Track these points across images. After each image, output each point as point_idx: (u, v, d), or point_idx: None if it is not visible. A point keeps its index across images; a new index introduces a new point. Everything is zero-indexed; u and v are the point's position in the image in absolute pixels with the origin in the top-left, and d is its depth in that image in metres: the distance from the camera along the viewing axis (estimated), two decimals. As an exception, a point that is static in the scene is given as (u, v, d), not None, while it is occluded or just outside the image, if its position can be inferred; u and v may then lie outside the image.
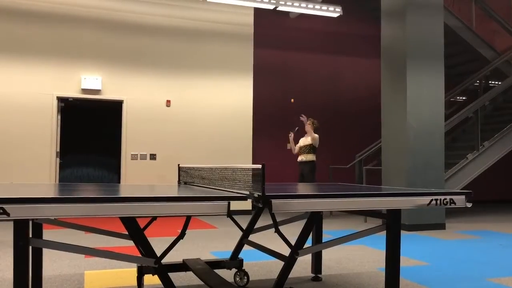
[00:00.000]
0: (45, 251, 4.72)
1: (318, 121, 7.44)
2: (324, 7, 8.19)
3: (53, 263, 4.18)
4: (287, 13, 9.95)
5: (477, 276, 3.85)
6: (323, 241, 3.47)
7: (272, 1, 7.86)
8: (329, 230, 6.45)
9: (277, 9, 8.17)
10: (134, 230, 2.44)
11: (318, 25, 10.42)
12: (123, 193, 2.31)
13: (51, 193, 2.22)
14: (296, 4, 8.01)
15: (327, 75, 10.57)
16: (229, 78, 8.72)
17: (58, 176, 7.93)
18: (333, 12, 8.32)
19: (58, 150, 7.83)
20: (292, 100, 8.33)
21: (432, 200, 2.60)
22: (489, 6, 10.38)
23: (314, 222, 2.81)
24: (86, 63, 7.94)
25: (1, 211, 1.78)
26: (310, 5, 8.09)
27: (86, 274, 3.78)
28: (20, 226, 1.97)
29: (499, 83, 9.39)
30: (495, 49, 10.14)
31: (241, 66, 8.80)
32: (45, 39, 7.73)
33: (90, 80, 7.87)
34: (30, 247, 2.05)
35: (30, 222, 2.69)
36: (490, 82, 10.21)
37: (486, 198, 10.97)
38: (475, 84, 9.65)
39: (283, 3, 7.92)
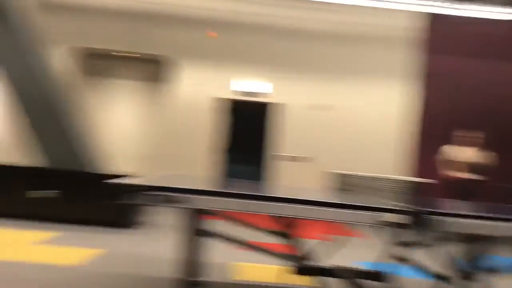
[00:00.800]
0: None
1: (497, 132, 6.72)
2: (498, 10, 7.41)
3: (209, 251, 4.52)
4: (457, 16, 9.23)
5: None
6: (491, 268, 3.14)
7: (443, 5, 7.37)
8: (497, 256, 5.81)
9: (447, 12, 7.64)
10: (286, 230, 2.51)
11: (492, 28, 9.46)
12: (279, 194, 2.40)
13: (218, 187, 2.40)
14: (467, 7, 7.39)
15: (503, 81, 9.52)
16: (391, 84, 8.44)
17: (220, 172, 8.56)
18: (507, 14, 7.48)
19: (223, 147, 8.46)
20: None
21: None
22: None
23: (483, 245, 2.57)
24: (252, 66, 8.43)
25: (175, 199, 1.99)
26: (483, 8, 7.40)
27: (235, 266, 4.00)
28: (190, 215, 2.17)
29: None
30: None
31: (404, 72, 8.44)
32: (215, 43, 8.41)
33: (255, 84, 8.35)
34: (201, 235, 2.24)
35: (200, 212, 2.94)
36: None
37: None
38: None
39: (452, 6, 7.37)
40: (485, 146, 6.55)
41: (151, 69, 9.18)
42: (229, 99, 8.50)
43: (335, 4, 8.33)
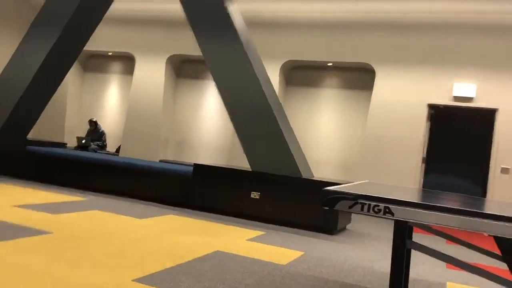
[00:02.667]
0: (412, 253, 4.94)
1: None
2: None
3: (415, 266, 4.32)
4: None
5: None
6: None
7: None
8: None
9: None
10: (509, 251, 2.24)
11: None
12: (496, 211, 2.16)
13: (426, 199, 2.29)
14: None
15: None
16: None
17: (422, 182, 8.13)
18: None
19: (425, 156, 8.03)
20: None
21: None
22: None
23: None
24: (459, 70, 7.80)
25: (387, 210, 1.97)
26: None
27: (448, 285, 3.73)
28: (400, 227, 2.13)
29: None
30: None
31: None
32: (418, 48, 8.04)
33: (463, 88, 7.69)
34: (406, 247, 2.18)
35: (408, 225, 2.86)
36: None
37: None
38: None
39: None
40: None
41: (355, 77, 9.27)
42: (437, 105, 7.99)
43: None
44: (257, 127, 5.91)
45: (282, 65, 9.20)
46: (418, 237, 6.06)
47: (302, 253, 4.19)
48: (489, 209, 2.20)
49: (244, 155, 5.98)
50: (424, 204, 1.97)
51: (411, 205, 1.94)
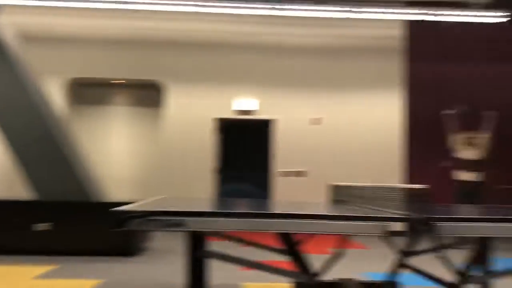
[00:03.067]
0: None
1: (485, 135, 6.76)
2: (487, 13, 7.53)
3: (213, 272, 4.47)
4: (442, 22, 9.36)
5: None
6: (494, 270, 3.12)
7: (429, 12, 7.49)
8: (503, 258, 5.78)
9: (432, 19, 7.75)
10: (291, 246, 2.49)
11: (481, 32, 9.58)
12: (280, 210, 2.39)
13: (219, 207, 2.39)
14: (455, 12, 7.51)
15: (492, 86, 9.61)
16: (378, 94, 8.51)
17: (217, 191, 8.54)
18: (497, 17, 7.60)
19: (217, 166, 8.46)
20: None
21: None
22: None
23: (485, 249, 2.56)
24: (242, 85, 8.48)
25: (178, 223, 1.97)
26: (472, 13, 7.51)
27: (243, 286, 3.96)
28: (192, 238, 2.16)
29: None
30: None
31: (389, 81, 8.53)
32: (205, 65, 8.48)
33: (245, 102, 8.39)
34: (203, 257, 2.23)
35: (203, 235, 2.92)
36: None
37: None
38: None
39: (439, 12, 7.49)
40: (486, 146, 6.57)
41: (144, 94, 9.22)
42: (224, 119, 8.52)
43: (319, 18, 8.45)
44: (37, 153, 5.33)
45: (68, 82, 8.57)
46: (214, 244, 6.30)
47: (101, 281, 3.94)
48: (271, 209, 2.41)
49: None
50: (213, 212, 2.05)
51: (200, 214, 1.99)
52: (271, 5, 7.38)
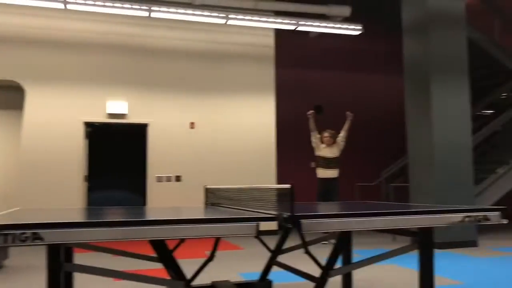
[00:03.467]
0: (75, 275, 4.76)
1: (341, 134, 7.31)
2: (345, 26, 8.21)
3: (83, 287, 4.20)
4: (307, 32, 10.01)
5: (515, 296, 3.71)
6: (353, 261, 3.40)
7: (292, 22, 7.93)
8: (358, 250, 6.34)
9: (297, 29, 8.23)
10: (163, 252, 2.44)
11: (339, 43, 10.44)
12: (151, 216, 2.32)
13: (82, 217, 2.24)
14: (317, 23, 8.06)
15: (349, 92, 10.53)
16: (252, 99, 8.78)
17: (87, 200, 8.04)
18: (353, 30, 8.33)
19: (86, 174, 7.97)
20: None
21: (465, 217, 2.53)
22: (511, 17, 10.25)
23: (344, 242, 2.77)
24: (112, 88, 8.11)
25: (36, 236, 1.80)
26: (331, 24, 8.13)
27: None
28: (53, 251, 1.99)
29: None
30: (520, 61, 9.97)
31: (263, 87, 8.86)
32: (72, 66, 7.94)
33: (116, 105, 8.03)
34: (62, 272, 2.07)
35: (62, 247, 2.72)
36: (517, 94, 10.01)
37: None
38: (502, 96, 9.46)
39: (303, 23, 7.98)
40: (342, 144, 7.11)
41: (3, 96, 8.34)
42: (94, 123, 8.06)
43: (195, 22, 8.47)
44: None
45: None
46: (83, 256, 5.94)
47: None
48: (141, 216, 2.33)
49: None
50: (77, 223, 1.91)
51: (61, 226, 1.84)
52: (139, 5, 7.18)
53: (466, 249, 6.38)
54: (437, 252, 6.07)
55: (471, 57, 7.45)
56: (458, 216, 2.52)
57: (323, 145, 7.15)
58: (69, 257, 3.03)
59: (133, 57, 8.24)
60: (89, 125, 8.08)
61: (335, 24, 8.15)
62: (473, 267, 5.00)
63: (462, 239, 6.52)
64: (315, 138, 7.16)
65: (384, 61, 10.72)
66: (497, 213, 2.58)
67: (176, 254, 6.07)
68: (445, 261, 5.38)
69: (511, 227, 9.05)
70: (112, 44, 8.15)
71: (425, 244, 2.61)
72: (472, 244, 6.56)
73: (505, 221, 2.56)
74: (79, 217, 2.20)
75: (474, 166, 7.13)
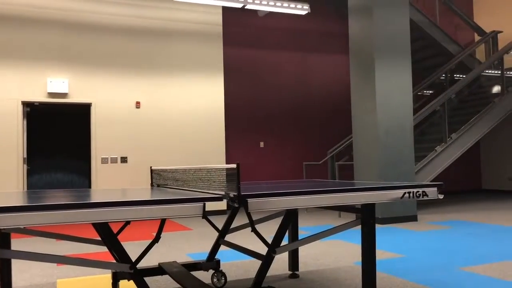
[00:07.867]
0: (15, 261, 4.58)
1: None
2: (292, 5, 8.22)
3: (23, 273, 4.05)
4: (255, 11, 9.94)
5: (450, 266, 3.94)
6: (299, 238, 3.47)
7: (240, 0, 7.83)
8: (305, 227, 6.49)
9: (246, 7, 8.15)
10: (107, 235, 2.38)
11: (287, 23, 10.45)
12: (94, 198, 2.26)
13: (20, 201, 2.14)
14: (264, 2, 8.01)
15: (297, 72, 10.61)
16: (200, 78, 8.66)
17: (26, 183, 7.70)
18: (301, 9, 8.35)
19: (25, 156, 7.61)
20: None
21: (405, 193, 2.63)
22: (452, 1, 10.65)
23: (290, 220, 2.81)
24: (52, 65, 7.73)
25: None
26: (278, 3, 8.11)
27: (59, 283, 3.68)
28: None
29: (464, 76, 9.64)
30: (458, 44, 10.41)
31: (211, 66, 8.75)
32: (9, 42, 7.49)
33: (56, 83, 7.67)
34: (-2, 258, 1.97)
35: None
36: (455, 75, 10.47)
37: (455, 189, 11.25)
38: (441, 78, 9.88)
39: (251, 1, 7.90)
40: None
41: None
42: (34, 102, 7.67)
43: (139, -2, 8.18)
44: None
45: None
46: (24, 241, 5.72)
47: None
48: (90, 198, 2.25)
49: None
50: (12, 207, 1.82)
51: (-6, 211, 1.74)
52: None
53: (407, 223, 6.68)
54: (381, 227, 6.32)
55: (413, 39, 7.68)
56: (398, 192, 2.62)
57: None
58: (6, 243, 2.90)
59: (74, 33, 7.87)
60: (28, 105, 7.69)
61: (282, 3, 8.13)
62: (413, 240, 5.25)
63: (404, 214, 6.82)
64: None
65: (332, 41, 10.86)
66: (434, 189, 2.70)
67: (123, 236, 5.96)
68: (387, 236, 5.61)
69: (447, 201, 9.56)
70: (52, 19, 7.74)
71: (367, 219, 2.70)
72: (413, 218, 6.88)
73: (441, 196, 2.68)
74: (16, 201, 2.10)
75: (415, 144, 7.44)
